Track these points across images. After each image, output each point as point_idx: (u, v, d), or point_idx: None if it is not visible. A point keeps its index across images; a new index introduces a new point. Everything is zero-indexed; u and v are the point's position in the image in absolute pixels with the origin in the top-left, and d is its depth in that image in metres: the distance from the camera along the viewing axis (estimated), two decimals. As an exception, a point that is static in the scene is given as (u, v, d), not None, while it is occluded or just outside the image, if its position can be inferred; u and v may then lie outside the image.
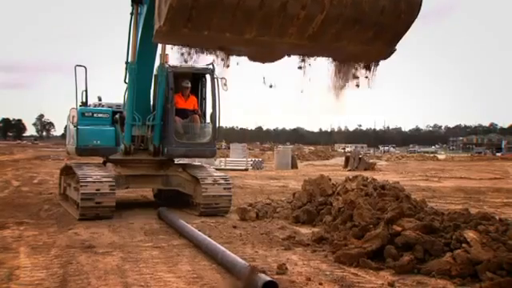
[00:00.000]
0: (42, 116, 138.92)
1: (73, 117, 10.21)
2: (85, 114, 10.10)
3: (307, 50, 4.70)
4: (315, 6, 4.25)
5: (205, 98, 10.75)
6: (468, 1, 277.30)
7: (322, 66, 5.02)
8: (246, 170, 28.06)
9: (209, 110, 10.56)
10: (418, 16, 4.67)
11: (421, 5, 4.54)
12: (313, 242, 7.29)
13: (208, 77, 10.47)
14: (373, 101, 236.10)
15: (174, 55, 8.97)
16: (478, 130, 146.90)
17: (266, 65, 4.87)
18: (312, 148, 69.65)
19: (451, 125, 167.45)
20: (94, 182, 8.96)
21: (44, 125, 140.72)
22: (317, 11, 4.26)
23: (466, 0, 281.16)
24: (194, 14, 4.04)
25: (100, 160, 10.93)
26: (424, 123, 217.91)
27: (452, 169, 31.80)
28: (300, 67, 4.92)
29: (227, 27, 4.21)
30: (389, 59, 5.04)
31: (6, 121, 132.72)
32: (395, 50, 4.89)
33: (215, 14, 4.08)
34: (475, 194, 15.50)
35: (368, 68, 5.01)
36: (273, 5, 4.13)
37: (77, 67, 10.06)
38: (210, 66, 10.20)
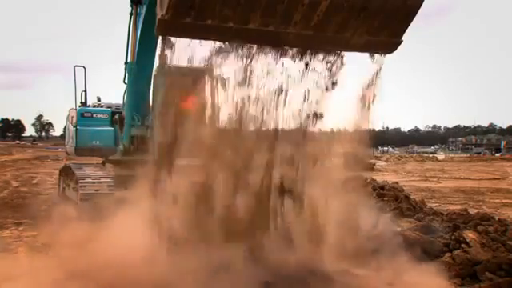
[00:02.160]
0: (41, 116, 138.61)
1: (72, 117, 10.18)
2: (84, 115, 10.08)
3: (312, 42, 4.62)
4: None
5: (204, 99, 10.72)
6: (467, 1, 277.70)
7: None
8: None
9: (208, 111, 10.53)
10: (418, 15, 4.64)
11: None
12: (312, 242, 7.26)
13: (207, 77, 10.43)
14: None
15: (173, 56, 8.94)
16: (477, 131, 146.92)
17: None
18: (311, 148, 69.51)
19: (450, 125, 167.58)
20: (93, 182, 8.95)
21: (43, 125, 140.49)
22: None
23: (465, 0, 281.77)
24: (196, 1, 3.96)
25: (99, 160, 10.91)
26: (423, 123, 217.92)
27: (451, 169, 31.82)
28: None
29: (231, 16, 4.11)
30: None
31: (5, 121, 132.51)
32: (402, 41, 4.79)
33: (218, 1, 4.01)
34: (474, 194, 15.51)
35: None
36: None
37: (76, 67, 10.05)
38: (210, 66, 10.18)
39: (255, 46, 4.64)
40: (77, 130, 9.89)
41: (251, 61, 4.75)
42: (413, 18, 4.60)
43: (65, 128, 11.96)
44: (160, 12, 4.10)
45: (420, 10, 4.58)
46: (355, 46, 4.72)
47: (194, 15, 4.05)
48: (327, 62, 4.87)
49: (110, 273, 4.91)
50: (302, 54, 4.77)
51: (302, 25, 4.34)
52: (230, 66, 5.04)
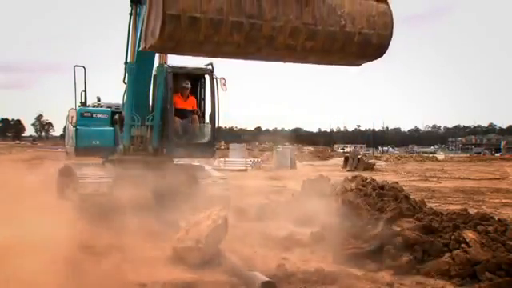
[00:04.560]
0: (40, 116, 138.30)
1: (72, 117, 10.18)
2: (84, 115, 10.08)
3: (283, 59, 5.06)
4: (288, 51, 4.56)
5: (204, 99, 10.74)
6: (467, 0, 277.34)
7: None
8: (245, 170, 28.07)
9: (208, 111, 10.55)
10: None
11: (390, 41, 4.64)
12: (312, 243, 7.28)
13: (207, 77, 10.45)
14: (372, 101, 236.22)
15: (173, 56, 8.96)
16: (477, 131, 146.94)
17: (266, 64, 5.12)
18: (311, 148, 69.73)
19: (450, 125, 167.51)
20: (93, 182, 8.95)
21: (43, 125, 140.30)
22: (288, 53, 4.47)
23: (465, 0, 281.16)
24: (177, 46, 4.38)
25: (99, 160, 10.91)
26: (423, 123, 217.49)
27: (451, 169, 31.83)
28: None
29: (209, 50, 4.65)
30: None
31: (5, 121, 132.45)
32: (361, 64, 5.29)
33: (197, 44, 4.27)
34: (474, 194, 15.52)
35: None
36: (248, 49, 4.43)
37: (76, 67, 10.05)
38: (209, 67, 10.20)
39: None
40: (76, 130, 9.89)
41: None
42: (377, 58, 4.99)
43: (65, 128, 11.95)
44: (143, 44, 4.40)
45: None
46: (323, 62, 5.23)
47: (176, 50, 4.52)
48: None
49: None
50: None
51: (271, 52, 4.77)
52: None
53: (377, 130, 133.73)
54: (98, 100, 11.11)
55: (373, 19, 4.34)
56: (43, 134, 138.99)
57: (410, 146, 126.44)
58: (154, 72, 9.75)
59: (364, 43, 4.46)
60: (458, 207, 9.37)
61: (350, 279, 5.51)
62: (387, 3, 4.43)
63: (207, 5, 3.78)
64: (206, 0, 3.78)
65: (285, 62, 5.04)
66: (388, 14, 4.41)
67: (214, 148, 10.82)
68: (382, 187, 8.78)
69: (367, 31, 4.35)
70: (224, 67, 10.47)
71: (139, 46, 8.89)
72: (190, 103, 10.48)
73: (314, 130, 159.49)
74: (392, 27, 4.46)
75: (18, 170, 11.16)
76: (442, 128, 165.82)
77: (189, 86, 10.40)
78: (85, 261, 6.06)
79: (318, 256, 6.63)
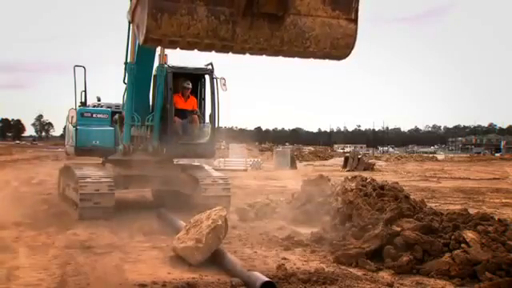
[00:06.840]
0: (41, 116, 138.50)
1: (72, 117, 10.19)
2: (84, 115, 10.10)
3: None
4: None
5: (204, 99, 10.74)
6: (467, 0, 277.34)
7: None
8: (245, 170, 28.05)
9: (208, 111, 10.55)
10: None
11: (348, 55, 4.68)
12: (312, 243, 7.28)
13: (207, 77, 10.45)
14: (372, 101, 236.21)
15: (173, 55, 8.97)
16: (477, 131, 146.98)
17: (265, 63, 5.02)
18: (311, 148, 69.74)
19: (450, 125, 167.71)
20: (93, 182, 8.96)
21: (43, 125, 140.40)
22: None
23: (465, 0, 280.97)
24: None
25: (99, 160, 10.92)
26: (423, 123, 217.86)
27: (451, 169, 31.81)
28: None
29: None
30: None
31: (5, 121, 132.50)
32: None
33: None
34: (474, 194, 15.51)
35: None
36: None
37: (76, 67, 10.06)
38: (209, 67, 10.19)
39: None
40: (77, 129, 9.90)
41: None
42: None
43: (65, 128, 11.97)
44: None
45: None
46: None
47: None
48: None
49: None
50: None
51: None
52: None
53: (377, 130, 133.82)
54: (98, 100, 11.12)
55: (337, 41, 4.44)
56: (43, 133, 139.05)
57: (409, 146, 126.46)
58: (154, 72, 9.75)
59: (324, 57, 4.64)
60: (458, 207, 9.37)
61: (350, 279, 5.51)
62: (356, 23, 4.49)
63: (186, 31, 4.09)
64: (185, 27, 4.05)
65: None
66: (353, 37, 4.52)
67: (214, 148, 10.82)
68: (382, 187, 8.77)
69: (328, 50, 4.49)
70: (224, 67, 10.46)
71: (139, 45, 8.92)
72: (191, 103, 10.49)
73: (314, 129, 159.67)
74: (353, 47, 4.60)
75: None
76: (442, 128, 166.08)
77: (190, 86, 10.40)
78: (85, 261, 6.07)
79: (318, 256, 6.63)
